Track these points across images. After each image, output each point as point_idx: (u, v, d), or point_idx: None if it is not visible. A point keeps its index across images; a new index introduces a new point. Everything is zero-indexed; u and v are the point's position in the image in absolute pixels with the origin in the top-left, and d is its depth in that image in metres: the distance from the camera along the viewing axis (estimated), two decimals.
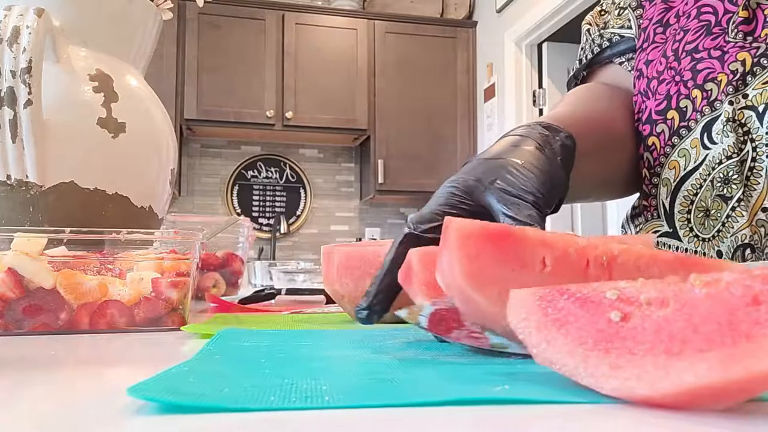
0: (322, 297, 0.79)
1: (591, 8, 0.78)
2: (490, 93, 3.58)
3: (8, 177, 0.58)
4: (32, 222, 0.59)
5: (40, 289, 0.47)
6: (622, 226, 0.67)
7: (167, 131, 0.72)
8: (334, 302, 0.75)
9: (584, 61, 0.72)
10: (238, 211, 3.74)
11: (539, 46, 3.32)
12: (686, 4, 0.60)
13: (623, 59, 0.69)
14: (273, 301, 0.79)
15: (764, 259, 0.52)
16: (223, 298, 0.77)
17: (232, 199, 3.76)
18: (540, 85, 3.32)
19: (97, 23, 0.67)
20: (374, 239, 3.83)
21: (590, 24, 0.72)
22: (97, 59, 0.66)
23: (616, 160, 0.64)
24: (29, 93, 0.56)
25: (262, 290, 0.82)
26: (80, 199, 0.61)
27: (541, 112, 3.26)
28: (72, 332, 0.48)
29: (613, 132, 0.62)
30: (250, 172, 3.80)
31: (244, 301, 0.76)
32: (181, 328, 0.50)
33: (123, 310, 0.49)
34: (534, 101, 3.29)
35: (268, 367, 0.30)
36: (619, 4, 0.70)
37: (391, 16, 3.72)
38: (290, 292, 0.82)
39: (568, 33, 2.95)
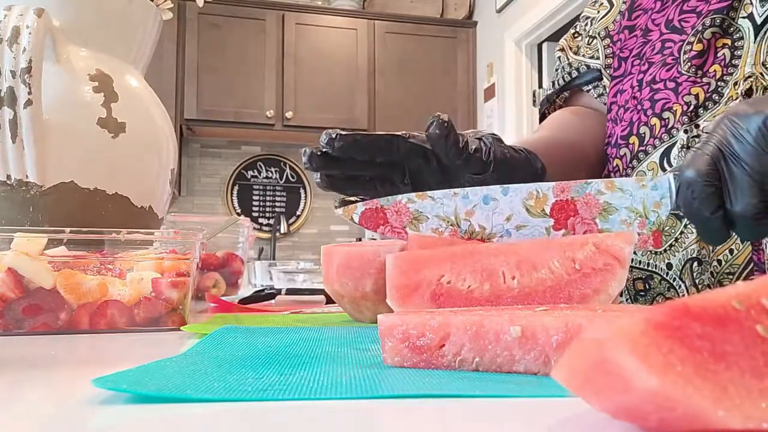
0: (322, 297, 0.79)
1: None
2: (490, 93, 3.58)
3: (8, 177, 0.58)
4: (32, 222, 0.59)
5: (40, 289, 0.47)
6: None
7: (167, 131, 0.71)
8: (334, 302, 0.75)
9: (556, 86, 0.78)
10: (238, 211, 3.74)
11: (539, 46, 3.32)
12: (656, 37, 0.64)
13: (590, 87, 0.75)
14: (273, 301, 0.79)
15: (711, 272, 0.56)
16: (223, 298, 0.77)
17: (232, 199, 3.76)
18: (540, 85, 3.32)
19: (97, 23, 0.67)
20: (374, 239, 3.83)
21: (563, 49, 0.78)
22: (97, 59, 0.66)
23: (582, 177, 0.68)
24: (29, 93, 0.56)
25: (262, 290, 0.82)
26: (80, 199, 0.61)
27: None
28: (72, 332, 0.48)
29: (582, 154, 0.68)
30: (250, 172, 3.80)
31: (244, 301, 0.76)
32: (181, 328, 0.50)
33: (123, 310, 0.49)
34: (534, 101, 3.29)
35: (252, 363, 0.31)
36: (589, 32, 0.75)
37: (391, 16, 3.72)
38: (290, 292, 0.82)
39: None
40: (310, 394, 0.24)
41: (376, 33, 3.64)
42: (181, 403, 0.23)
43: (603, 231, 0.41)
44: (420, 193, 0.44)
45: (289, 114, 3.46)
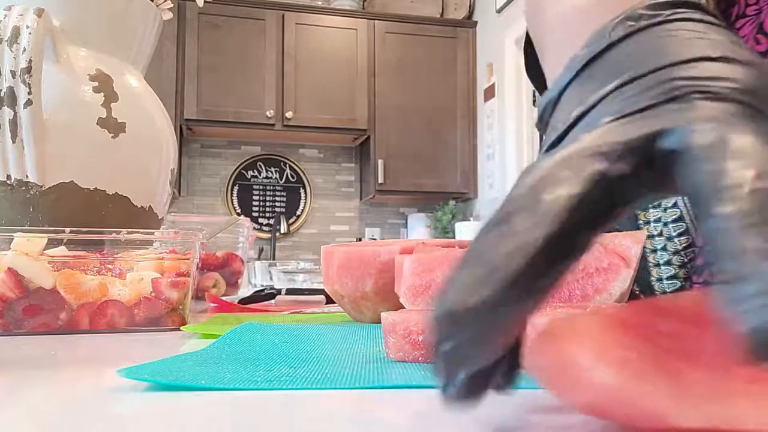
0: (322, 297, 0.79)
1: None
2: (490, 93, 3.58)
3: (8, 177, 0.58)
4: (32, 222, 0.59)
5: (40, 289, 0.47)
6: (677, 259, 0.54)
7: (167, 131, 0.71)
8: (334, 302, 0.75)
9: None
10: (238, 211, 3.74)
11: None
12: None
13: None
14: (273, 301, 0.79)
15: None
16: (223, 298, 0.77)
17: (232, 199, 3.76)
18: None
19: (97, 23, 0.67)
20: (374, 239, 3.83)
21: None
22: (97, 59, 0.66)
23: None
24: (29, 93, 0.56)
25: (262, 290, 0.82)
26: (80, 199, 0.61)
27: None
28: (72, 332, 0.48)
29: None
30: (250, 172, 3.80)
31: (244, 301, 0.76)
32: (181, 328, 0.50)
33: (123, 310, 0.49)
34: (534, 101, 3.29)
35: (264, 358, 0.32)
36: None
37: (391, 16, 3.72)
38: (290, 292, 0.82)
39: None
40: (316, 385, 0.25)
41: (376, 33, 3.64)
42: (186, 392, 0.23)
43: None
44: None
45: (289, 114, 3.46)
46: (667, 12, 0.23)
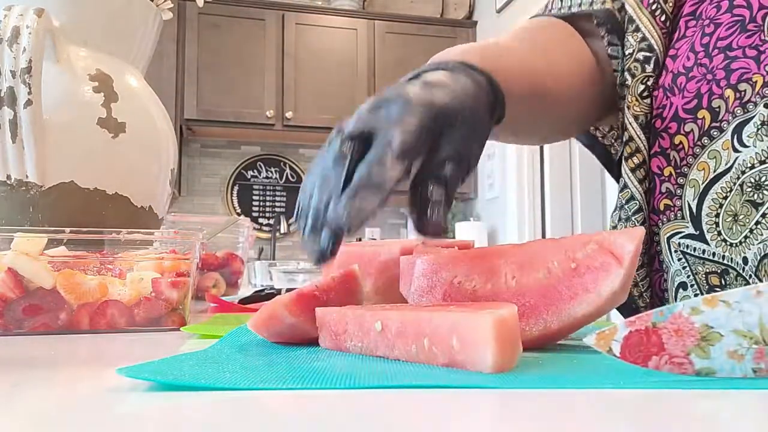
0: None
1: None
2: None
3: (8, 177, 0.58)
4: (32, 222, 0.59)
5: (40, 289, 0.47)
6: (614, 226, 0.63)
7: (167, 131, 0.72)
8: None
9: (558, 12, 0.66)
10: (238, 211, 3.74)
11: None
12: None
13: (603, 31, 0.63)
14: None
15: None
16: (223, 298, 0.77)
17: (232, 199, 3.76)
18: None
19: (97, 23, 0.67)
20: (374, 239, 3.83)
21: None
22: (97, 59, 0.66)
23: (544, 116, 0.62)
24: (29, 93, 0.56)
25: (262, 290, 0.82)
26: (80, 199, 0.61)
27: None
28: (72, 332, 0.48)
29: (545, 89, 0.59)
30: (250, 172, 3.80)
31: (244, 301, 0.76)
32: (181, 328, 0.50)
33: (123, 310, 0.49)
34: None
35: (262, 357, 0.31)
36: None
37: (391, 16, 3.72)
38: (290, 292, 0.81)
39: None
40: (316, 385, 0.26)
41: (376, 33, 3.64)
42: (186, 392, 0.23)
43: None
44: (710, 296, 0.28)
45: (289, 114, 3.46)
46: (458, 68, 0.46)
